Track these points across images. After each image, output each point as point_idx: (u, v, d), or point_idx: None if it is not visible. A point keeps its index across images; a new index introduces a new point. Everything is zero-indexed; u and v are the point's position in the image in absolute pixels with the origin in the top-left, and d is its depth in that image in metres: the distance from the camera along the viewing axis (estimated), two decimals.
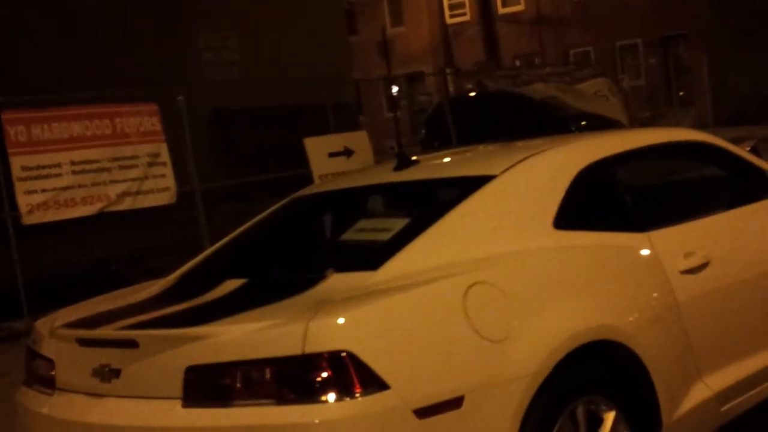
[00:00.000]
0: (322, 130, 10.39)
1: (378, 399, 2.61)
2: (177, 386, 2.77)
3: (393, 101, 21.84)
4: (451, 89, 16.80)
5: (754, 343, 3.85)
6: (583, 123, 12.96)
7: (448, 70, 21.27)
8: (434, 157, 4.51)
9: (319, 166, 9.15)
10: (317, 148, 9.29)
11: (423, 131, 18.72)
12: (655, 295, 3.42)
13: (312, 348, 2.61)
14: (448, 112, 11.89)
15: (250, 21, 14.46)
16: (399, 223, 3.45)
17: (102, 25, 12.18)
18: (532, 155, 3.68)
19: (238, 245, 3.90)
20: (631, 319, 3.25)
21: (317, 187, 4.19)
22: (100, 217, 8.24)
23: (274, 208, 4.14)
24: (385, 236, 3.38)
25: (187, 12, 13.41)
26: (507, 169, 3.53)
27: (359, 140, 9.71)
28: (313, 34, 15.31)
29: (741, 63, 24.39)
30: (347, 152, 9.35)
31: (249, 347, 2.71)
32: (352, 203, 3.96)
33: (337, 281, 3.05)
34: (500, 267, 3.09)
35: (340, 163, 9.15)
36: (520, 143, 4.24)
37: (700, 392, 3.50)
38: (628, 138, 4.15)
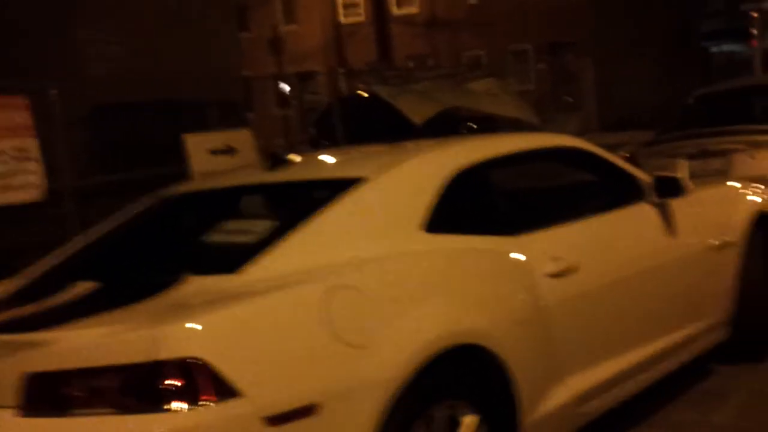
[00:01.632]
0: (206, 128, 10.13)
1: (228, 407, 2.50)
2: (14, 394, 2.60)
3: (283, 99, 21.59)
4: (343, 89, 16.70)
5: (617, 346, 3.92)
6: (474, 126, 12.87)
7: (340, 70, 21.20)
8: (310, 157, 4.42)
9: (199, 163, 8.89)
10: (198, 145, 9.03)
11: (312, 130, 18.60)
12: (521, 298, 3.43)
13: (160, 355, 2.49)
14: (337, 113, 11.79)
15: (136, 15, 14.06)
16: (265, 225, 3.35)
17: None
18: (406, 159, 3.65)
19: (94, 245, 3.71)
20: (495, 322, 3.24)
21: (184, 186, 4.04)
22: None
23: (136, 206, 3.97)
24: (249, 238, 3.28)
25: (70, 4, 12.93)
26: (379, 172, 3.48)
27: (243, 138, 9.48)
28: (202, 30, 15.00)
29: (624, 71, 25.18)
30: (230, 150, 9.13)
31: (93, 354, 2.57)
32: (220, 204, 3.83)
33: (193, 285, 2.92)
34: (364, 271, 3.03)
35: (222, 161, 8.92)
36: (397, 146, 4.21)
37: (560, 394, 3.54)
38: (503, 143, 4.16)
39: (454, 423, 3.09)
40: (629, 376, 3.97)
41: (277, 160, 3.83)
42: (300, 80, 26.94)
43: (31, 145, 7.95)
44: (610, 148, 9.31)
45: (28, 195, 7.95)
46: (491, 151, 3.89)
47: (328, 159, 4.34)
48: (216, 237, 3.39)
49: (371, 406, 2.73)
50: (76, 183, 9.02)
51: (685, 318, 4.41)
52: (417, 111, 12.05)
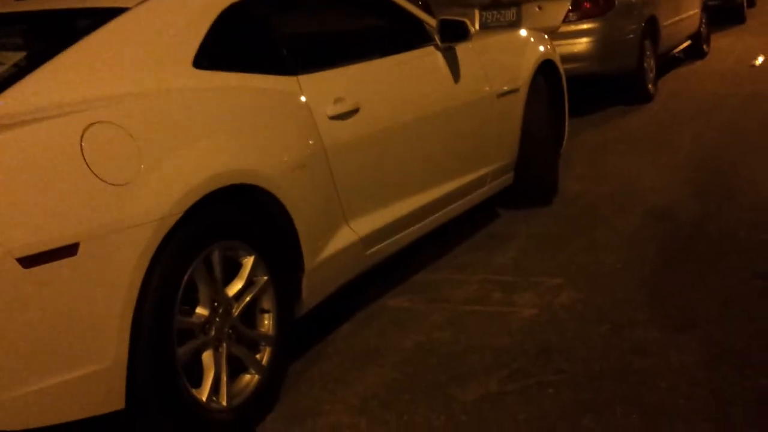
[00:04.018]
0: None
1: None
2: None
3: None
4: None
5: (403, 189, 3.91)
6: None
7: None
8: None
9: None
10: None
11: None
12: (300, 139, 3.31)
13: None
14: None
15: None
16: (14, 57, 3.01)
17: None
18: None
19: None
20: (273, 163, 3.11)
21: None
22: None
23: None
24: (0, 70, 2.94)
25: None
26: (142, 2, 3.18)
27: None
28: None
29: None
30: None
31: None
32: None
33: None
34: (127, 106, 2.78)
35: None
36: None
37: (345, 236, 3.51)
38: None
39: (236, 265, 3.00)
40: (416, 219, 3.99)
41: None
42: None
43: None
44: None
45: None
46: None
47: None
48: None
49: (136, 247, 2.58)
50: None
51: (471, 163, 4.45)
52: None
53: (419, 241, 4.14)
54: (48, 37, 3.25)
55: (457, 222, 4.50)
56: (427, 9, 7.72)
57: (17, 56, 3.01)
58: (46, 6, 3.38)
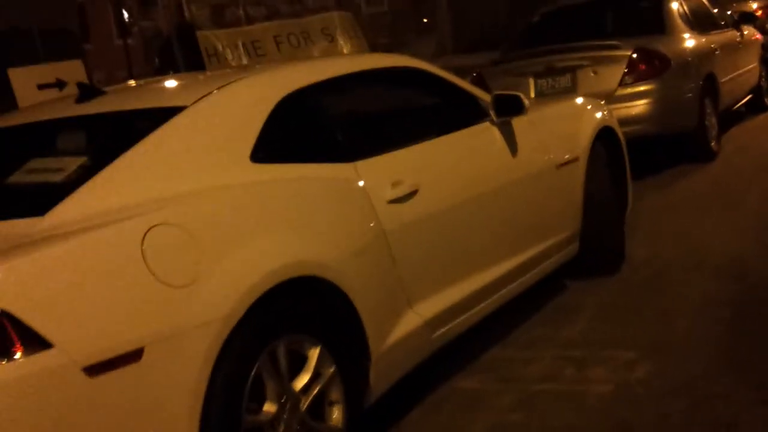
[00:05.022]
0: (37, 60, 9.48)
1: (40, 359, 2.28)
2: None
3: (124, 28, 20.56)
4: (186, 15, 15.89)
5: (466, 268, 3.86)
6: None
7: None
8: (125, 87, 4.11)
9: (26, 99, 8.30)
10: (24, 80, 8.46)
11: (156, 60, 17.81)
12: (360, 226, 3.30)
13: None
14: (175, 40, 11.20)
15: None
16: (74, 162, 3.05)
17: None
18: (229, 83, 3.41)
19: None
20: (333, 252, 3.09)
21: None
22: None
23: None
24: (58, 177, 2.98)
25: None
26: (198, 99, 3.23)
27: (73, 70, 8.93)
28: None
29: None
30: (59, 84, 8.57)
31: None
32: (27, 141, 3.48)
33: None
34: (185, 206, 2.81)
35: (51, 96, 8.38)
36: (225, 72, 3.96)
37: (410, 321, 3.46)
38: (333, 65, 3.95)
39: (301, 357, 2.96)
40: (481, 298, 3.92)
41: (86, 91, 3.51)
42: (140, 5, 25.78)
43: None
44: (463, 70, 9.28)
45: None
46: (321, 74, 3.68)
47: (146, 88, 4.03)
48: (22, 177, 3.08)
49: (201, 347, 2.57)
50: None
51: (533, 236, 4.38)
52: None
53: (484, 319, 4.06)
54: (107, 141, 3.30)
55: (523, 296, 4.42)
56: (481, 80, 7.75)
57: (78, 161, 3.05)
58: (104, 108, 3.44)
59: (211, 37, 10.29)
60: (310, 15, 11.48)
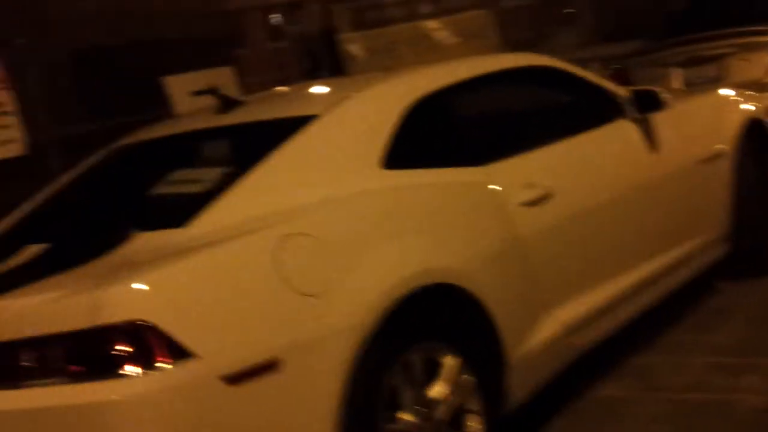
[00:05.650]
0: (193, 66, 9.83)
1: (182, 369, 2.36)
2: None
3: (275, 32, 21.15)
4: (330, 17, 16.12)
5: (605, 272, 3.74)
6: None
7: None
8: (263, 96, 4.21)
9: (181, 105, 8.65)
10: (180, 87, 8.77)
11: (306, 62, 18.19)
12: (493, 231, 3.25)
13: (103, 319, 2.34)
14: (321, 44, 11.40)
15: None
16: (213, 173, 3.15)
17: None
18: (358, 91, 3.44)
19: (47, 204, 3.54)
20: (466, 258, 3.07)
21: (137, 135, 3.84)
22: None
23: (90, 160, 3.78)
24: (198, 188, 3.08)
25: None
26: (331, 107, 3.27)
27: (224, 77, 9.21)
28: None
29: None
30: (211, 90, 8.84)
31: (35, 323, 2.44)
32: (170, 152, 3.62)
33: (140, 241, 2.75)
34: (319, 214, 2.84)
35: (203, 103, 8.66)
36: (353, 78, 3.99)
37: (548, 327, 3.38)
38: (463, 67, 3.90)
39: (435, 365, 2.94)
40: (623, 302, 3.79)
41: (226, 102, 3.61)
42: (290, 10, 26.41)
43: (5, 98, 7.71)
44: (607, 60, 9.02)
45: (7, 151, 7.76)
46: (451, 76, 3.64)
47: (282, 97, 4.11)
48: (164, 188, 3.20)
49: (338, 356, 2.59)
50: (59, 134, 8.81)
51: (678, 237, 4.22)
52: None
53: (630, 322, 3.93)
54: (244, 151, 3.39)
55: (669, 299, 4.25)
56: (624, 72, 7.53)
57: (217, 172, 3.14)
58: (242, 119, 3.53)
59: (350, 40, 10.42)
60: (450, 14, 11.44)
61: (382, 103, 3.35)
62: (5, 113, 7.73)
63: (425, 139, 3.39)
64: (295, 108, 3.52)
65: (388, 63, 10.64)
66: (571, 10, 26.11)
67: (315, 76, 14.81)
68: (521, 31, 21.05)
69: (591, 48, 18.77)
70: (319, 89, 4.01)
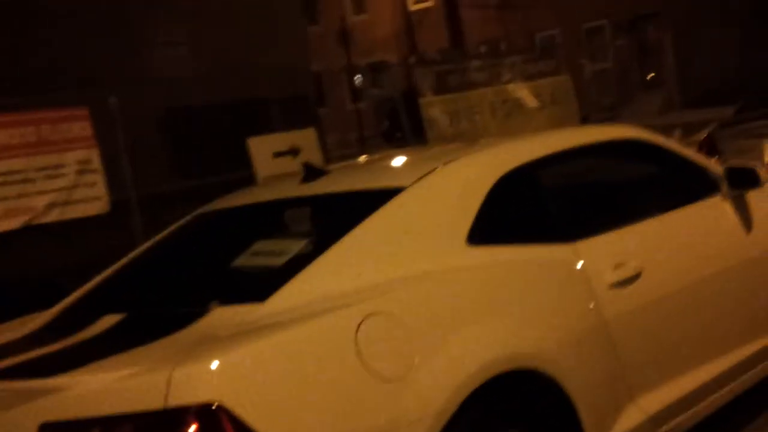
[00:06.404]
0: (277, 126, 9.96)
1: None
2: None
3: (356, 93, 21.43)
4: (412, 80, 16.26)
5: (692, 358, 3.57)
6: None
7: (411, 59, 20.87)
8: (349, 165, 4.19)
9: (263, 166, 8.75)
10: (262, 148, 8.89)
11: (385, 123, 18.35)
12: (580, 313, 3.14)
13: (175, 401, 2.29)
14: (402, 106, 11.47)
15: (198, 13, 13.94)
16: (296, 245, 3.12)
17: (43, 23, 11.68)
18: (447, 163, 3.38)
19: (129, 271, 3.55)
20: (551, 342, 2.95)
21: (221, 203, 3.85)
22: (42, 225, 7.83)
23: (175, 225, 3.80)
24: (280, 260, 3.05)
25: (127, 7, 12.87)
26: (418, 179, 3.22)
27: (307, 138, 9.30)
28: (269, 25, 14.80)
29: (706, 43, 24.22)
30: (293, 151, 8.94)
31: (107, 401, 2.39)
32: (254, 221, 3.62)
33: (220, 315, 2.72)
34: (401, 293, 2.78)
35: (285, 163, 8.76)
36: (442, 147, 3.94)
37: (631, 417, 3.23)
38: (552, 140, 3.84)
39: None
40: (710, 391, 3.61)
41: (311, 171, 3.60)
42: (371, 72, 26.73)
43: (93, 156, 7.91)
44: (691, 126, 8.87)
45: (91, 208, 7.92)
46: (539, 150, 3.58)
47: (367, 166, 4.09)
48: (247, 260, 3.18)
49: None
50: (143, 193, 8.95)
51: None
52: None
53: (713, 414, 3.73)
54: (327, 223, 3.36)
55: (757, 387, 4.03)
56: (711, 142, 7.35)
57: (299, 244, 3.11)
58: (326, 189, 3.50)
59: (431, 104, 10.46)
60: (532, 79, 11.40)
61: (470, 177, 3.30)
62: (92, 171, 7.94)
63: (513, 214, 3.33)
64: (380, 179, 3.49)
65: (467, 127, 10.64)
66: (653, 75, 25.87)
67: (393, 138, 14.89)
68: (604, 96, 20.89)
69: (674, 114, 18.51)
70: (404, 159, 3.97)
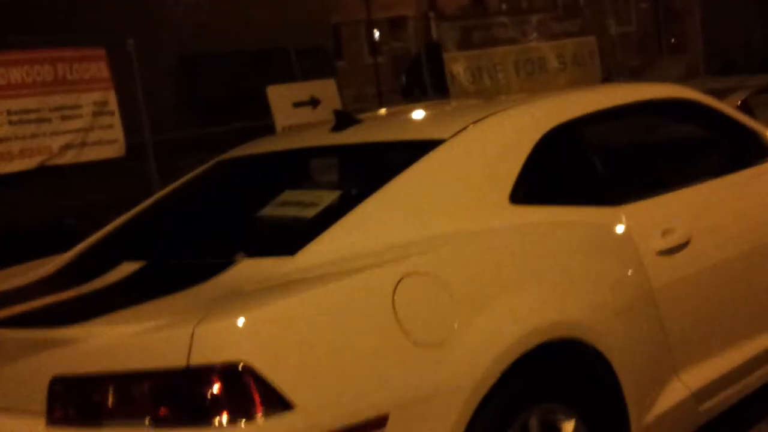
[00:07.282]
0: (294, 77, 9.78)
1: (280, 422, 2.13)
2: (41, 399, 2.28)
3: (374, 47, 21.13)
4: (434, 35, 16.00)
5: (740, 331, 3.40)
6: None
7: (431, 15, 20.53)
8: (381, 115, 3.99)
9: (282, 116, 8.58)
10: (281, 97, 8.70)
11: (403, 78, 18.12)
12: (626, 281, 2.96)
13: (198, 359, 2.13)
14: (425, 61, 11.26)
15: None
16: (328, 196, 2.94)
17: None
18: (489, 115, 3.17)
19: (147, 217, 3.37)
20: (596, 311, 2.78)
21: (244, 149, 3.65)
22: (55, 167, 7.68)
23: (195, 172, 3.61)
24: (310, 212, 2.87)
25: None
26: (458, 132, 3.02)
27: (327, 89, 9.09)
28: None
29: (733, 9, 23.81)
30: (313, 102, 8.75)
31: (124, 355, 2.24)
32: (281, 169, 3.43)
33: (246, 268, 2.56)
34: (441, 252, 2.60)
35: (305, 114, 8.58)
36: (481, 100, 3.73)
37: (676, 392, 3.06)
38: (601, 96, 3.62)
39: (553, 430, 2.67)
40: (756, 366, 3.43)
41: (343, 119, 3.39)
42: (390, 26, 26.37)
43: (109, 98, 7.71)
44: (719, 93, 8.60)
45: (107, 151, 7.75)
46: (590, 105, 3.37)
47: (402, 117, 3.88)
48: (275, 210, 2.99)
49: (448, 416, 2.35)
50: (158, 138, 8.78)
51: None
52: None
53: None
54: (362, 173, 3.18)
55: None
56: (747, 108, 7.11)
57: (331, 196, 2.93)
58: (361, 138, 3.32)
59: (454, 59, 10.24)
60: (557, 39, 11.19)
61: (513, 131, 3.10)
62: (108, 113, 7.74)
63: (558, 173, 3.14)
64: (418, 130, 3.29)
65: (489, 85, 10.44)
66: (674, 41, 25.48)
67: (411, 93, 14.67)
68: (628, 59, 20.56)
69: (700, 80, 18.19)
70: (437, 111, 3.76)
